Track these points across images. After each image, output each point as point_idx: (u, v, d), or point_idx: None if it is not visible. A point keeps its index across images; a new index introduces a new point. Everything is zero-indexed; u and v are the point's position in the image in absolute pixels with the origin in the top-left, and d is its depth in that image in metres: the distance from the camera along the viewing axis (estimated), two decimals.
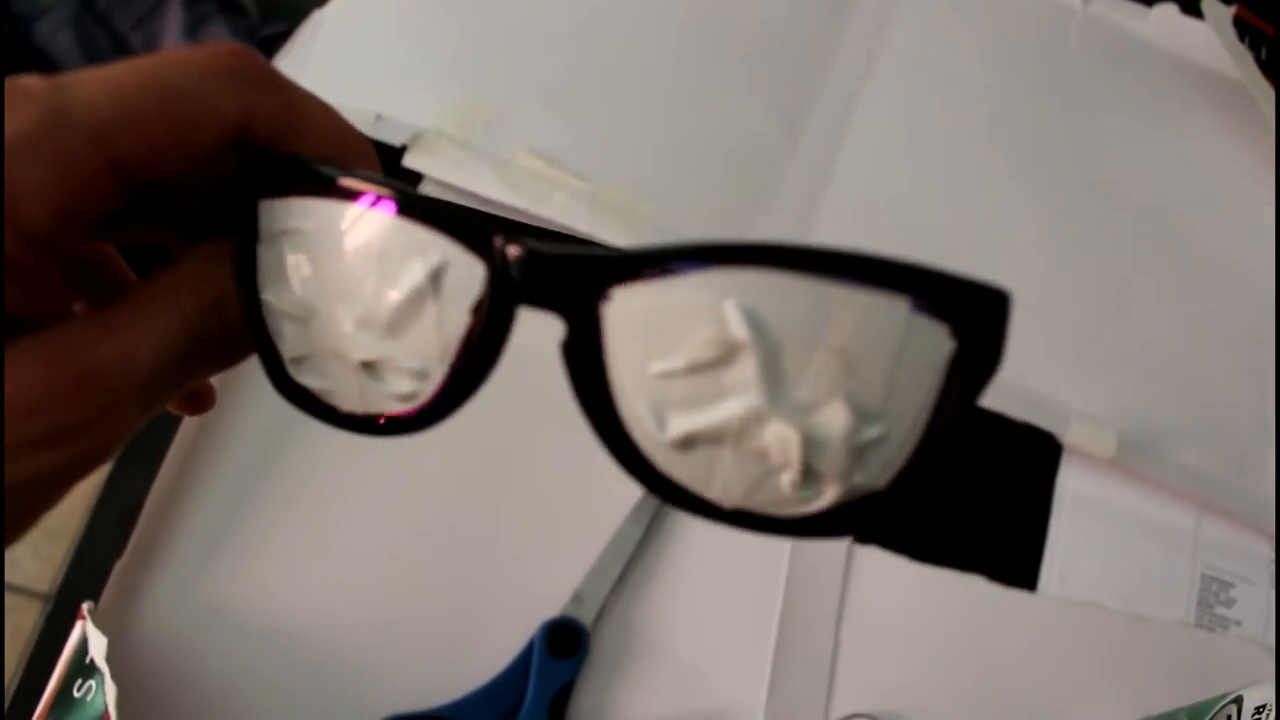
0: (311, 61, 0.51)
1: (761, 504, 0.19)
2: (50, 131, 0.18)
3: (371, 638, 0.41)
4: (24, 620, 1.01)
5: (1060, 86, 0.55)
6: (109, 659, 0.38)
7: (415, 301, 0.19)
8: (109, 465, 0.44)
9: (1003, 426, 0.46)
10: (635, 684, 0.41)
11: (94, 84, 0.18)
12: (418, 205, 0.19)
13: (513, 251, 0.19)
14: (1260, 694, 0.31)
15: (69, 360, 0.18)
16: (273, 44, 0.92)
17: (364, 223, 0.19)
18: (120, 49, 0.88)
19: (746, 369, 0.17)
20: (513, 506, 0.43)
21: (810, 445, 0.18)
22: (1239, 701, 0.32)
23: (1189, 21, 0.56)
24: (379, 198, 0.19)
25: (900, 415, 0.18)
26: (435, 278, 0.19)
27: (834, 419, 0.18)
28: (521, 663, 0.40)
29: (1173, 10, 0.57)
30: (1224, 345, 0.50)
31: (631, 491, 0.43)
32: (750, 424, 0.18)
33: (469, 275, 0.19)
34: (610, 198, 0.47)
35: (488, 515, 0.43)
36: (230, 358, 0.21)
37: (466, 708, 0.40)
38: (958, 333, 0.18)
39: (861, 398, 0.18)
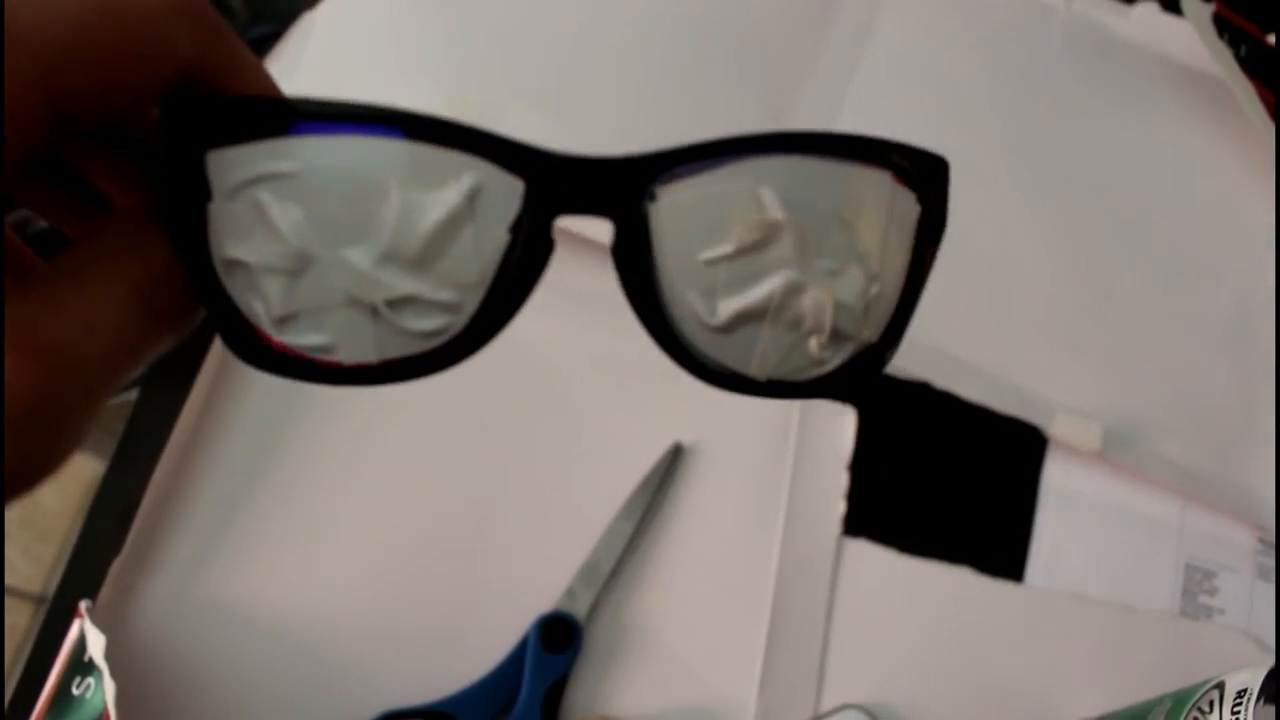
0: (303, 62, 0.51)
1: (788, 372, 0.21)
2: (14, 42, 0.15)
3: (367, 633, 0.41)
4: (17, 621, 1.01)
5: (1044, 84, 0.56)
6: (107, 656, 0.38)
7: (450, 227, 0.18)
8: (104, 464, 0.45)
9: (989, 420, 0.47)
10: (628, 677, 0.42)
11: (45, 5, 0.16)
12: (442, 129, 0.18)
13: (553, 162, 0.19)
14: (1242, 679, 0.32)
15: (31, 341, 0.16)
16: (262, 45, 0.93)
17: (376, 153, 0.18)
18: None
19: (785, 246, 0.19)
20: (506, 503, 0.44)
21: (838, 308, 0.20)
22: (1221, 687, 0.32)
23: (1170, 19, 0.57)
24: (393, 125, 0.18)
25: (890, 273, 0.21)
26: (472, 198, 0.19)
27: (853, 282, 0.20)
28: (516, 657, 0.41)
29: (1153, 9, 0.57)
30: (1206, 340, 0.51)
31: (624, 487, 0.44)
32: (789, 295, 0.20)
33: (506, 193, 0.19)
34: None
35: (482, 511, 0.44)
36: (181, 331, 0.19)
37: (462, 702, 0.40)
38: (921, 199, 0.21)
39: (868, 262, 0.20)
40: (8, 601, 1.01)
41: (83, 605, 0.40)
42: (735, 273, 0.20)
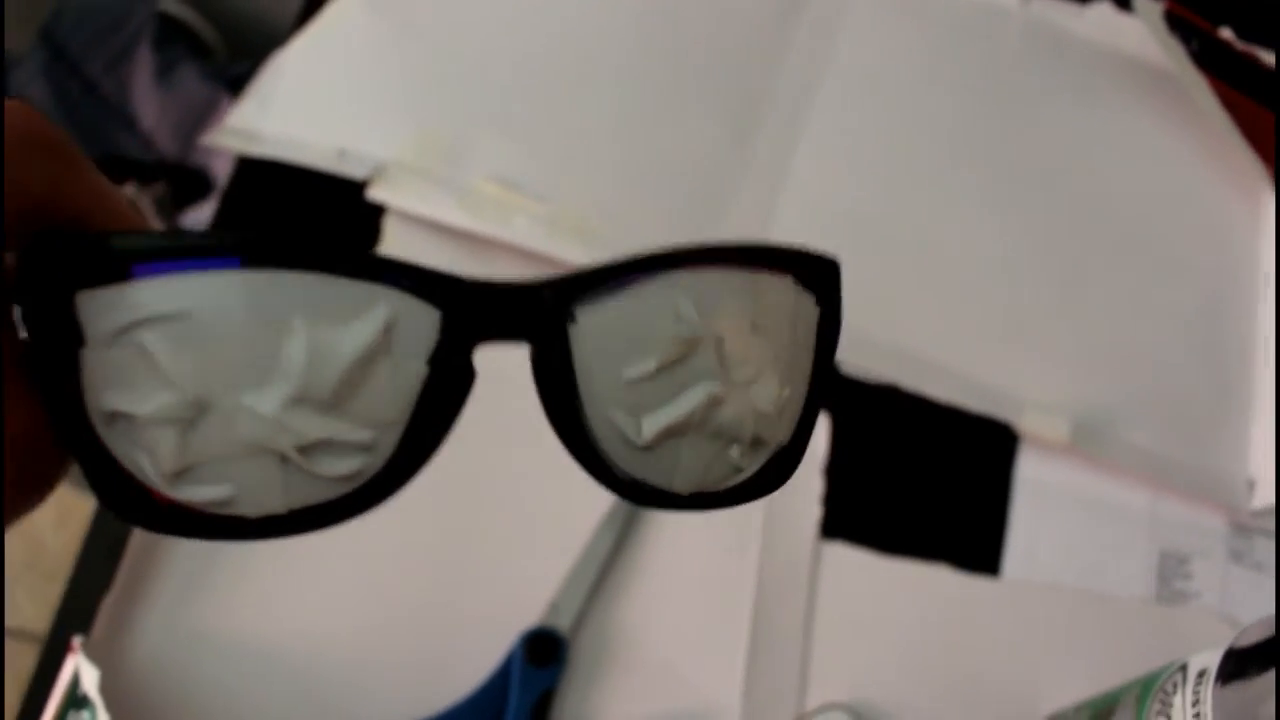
0: (275, 100, 0.52)
1: (709, 483, 0.21)
2: None
3: (355, 655, 0.42)
4: (24, 664, 1.01)
5: (1003, 85, 0.57)
6: (101, 691, 0.39)
7: (365, 363, 0.17)
8: (94, 503, 0.45)
9: (960, 419, 0.48)
10: (615, 687, 0.42)
11: None
12: (349, 260, 0.17)
13: (470, 290, 0.18)
14: (1203, 659, 0.32)
15: None
16: (241, 82, 0.94)
17: (276, 287, 0.17)
18: (92, 94, 0.89)
19: (706, 358, 0.20)
20: (487, 521, 0.45)
21: (757, 416, 0.21)
22: (1184, 668, 0.33)
23: (1124, 18, 0.58)
24: (294, 257, 0.17)
25: (798, 375, 0.21)
26: (387, 331, 0.17)
27: (769, 388, 0.21)
28: (502, 673, 0.42)
29: (1108, 8, 0.59)
30: (1169, 329, 0.52)
31: (603, 500, 0.45)
32: (711, 408, 0.20)
33: (423, 323, 0.18)
34: (569, 219, 0.48)
35: (463, 530, 0.45)
36: (46, 491, 0.17)
37: (449, 719, 0.41)
38: (819, 301, 0.22)
39: (778, 366, 0.21)
40: (15, 644, 1.02)
41: (76, 640, 0.41)
42: (658, 389, 0.20)
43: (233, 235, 0.16)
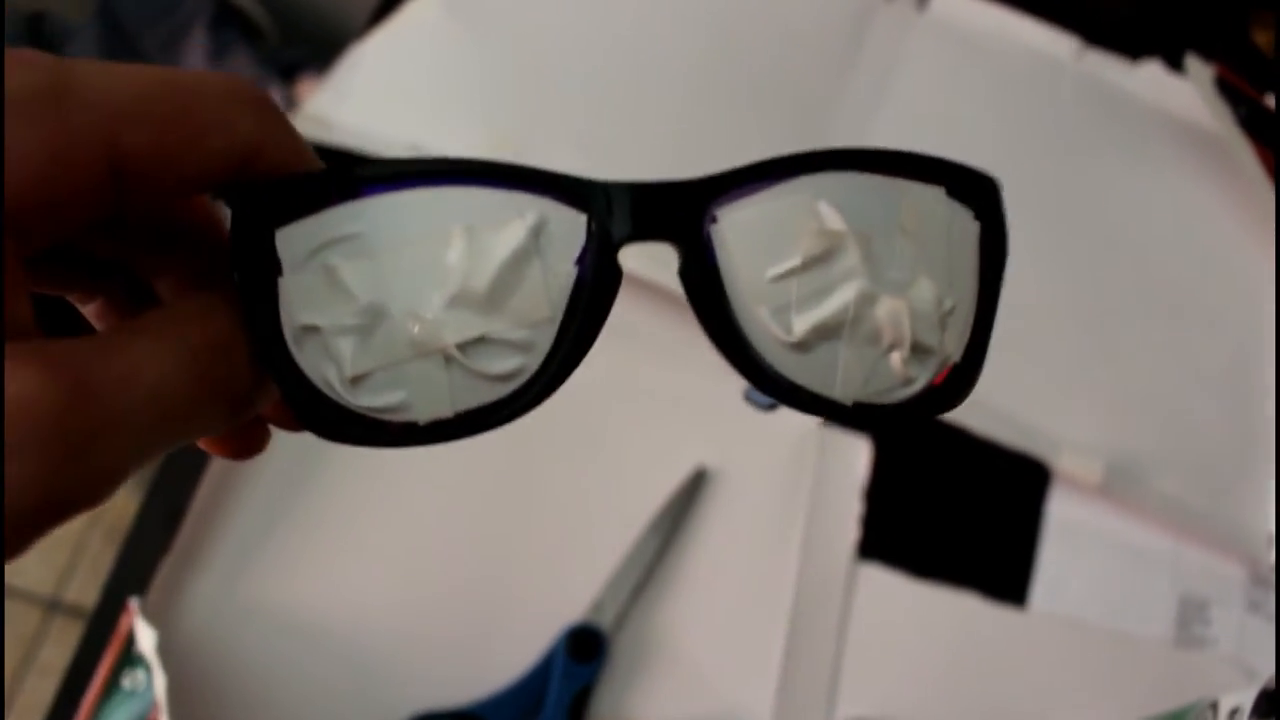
0: (352, 91, 0.53)
1: (874, 393, 0.21)
2: (56, 100, 0.16)
3: (402, 638, 0.43)
4: (26, 626, 1.02)
5: (1054, 134, 0.59)
6: (158, 651, 0.40)
7: (517, 263, 0.19)
8: (154, 468, 0.47)
9: (997, 454, 0.49)
10: (651, 688, 0.44)
11: (108, 71, 0.16)
12: (501, 170, 0.19)
13: (614, 194, 0.19)
14: (1234, 699, 0.34)
15: (66, 367, 0.15)
16: (293, 70, 0.96)
17: (437, 202, 0.19)
18: None
19: (851, 257, 0.20)
20: (538, 519, 0.46)
21: (915, 318, 0.20)
22: (1214, 706, 0.35)
23: (1174, 79, 0.60)
24: (452, 173, 0.19)
25: (961, 287, 0.21)
26: (536, 233, 0.19)
27: (925, 292, 0.21)
28: (544, 665, 0.43)
29: (1159, 68, 0.61)
30: (1203, 383, 0.53)
31: (649, 506, 0.46)
32: (863, 306, 0.20)
33: (570, 227, 0.19)
34: None
35: (515, 526, 0.46)
36: (235, 410, 0.18)
37: (491, 706, 0.42)
38: (979, 215, 0.22)
39: (935, 273, 0.21)
40: (19, 605, 1.03)
41: (133, 602, 0.42)
42: (805, 286, 0.20)
43: (398, 163, 0.19)
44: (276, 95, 0.93)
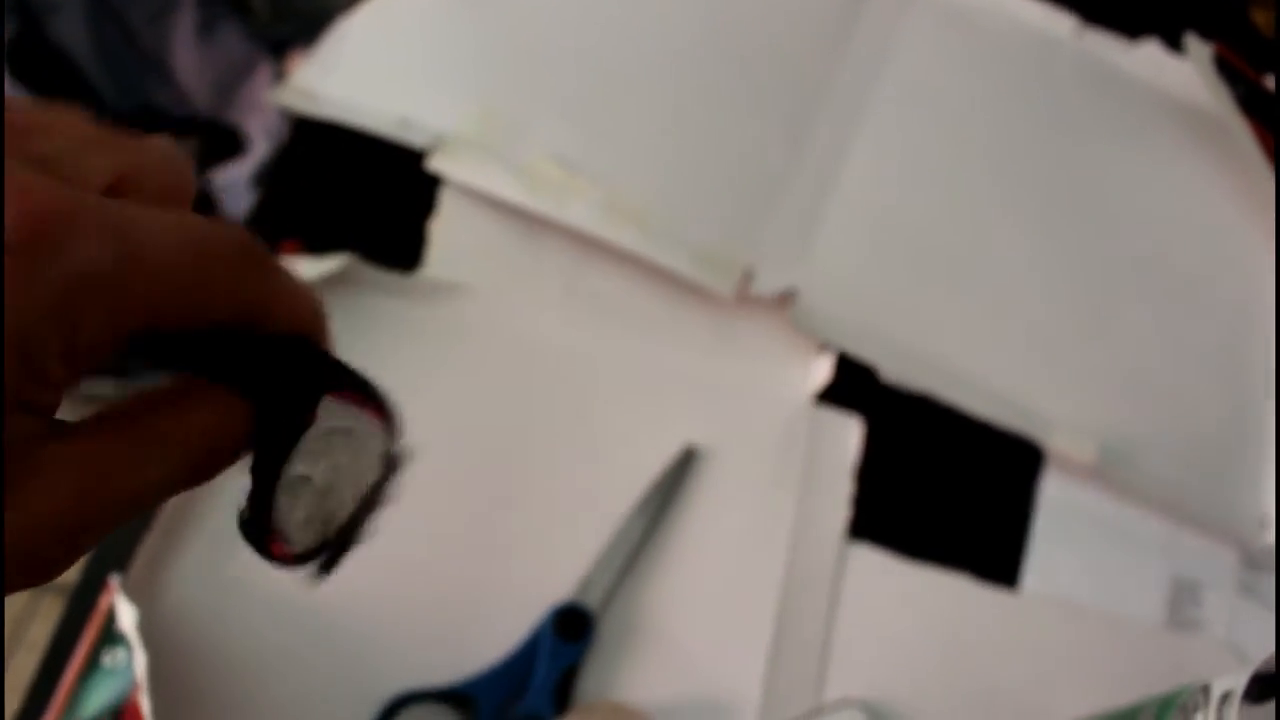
0: (340, 63, 0.53)
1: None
2: (114, 287, 0.17)
3: (388, 616, 0.43)
4: (13, 605, 1.01)
5: (1051, 112, 0.58)
6: (139, 629, 0.39)
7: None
8: None
9: (990, 433, 0.49)
10: (638, 668, 0.43)
11: (155, 227, 0.17)
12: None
13: None
14: (1226, 683, 0.34)
15: (100, 484, 0.18)
16: (282, 46, 0.94)
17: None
18: (132, 45, 0.89)
19: None
20: (525, 497, 0.45)
21: None
22: (1206, 690, 0.34)
23: (1172, 58, 0.59)
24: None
25: None
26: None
27: None
28: (531, 644, 0.42)
29: (1157, 47, 0.60)
30: (1197, 363, 0.53)
31: (638, 485, 0.45)
32: None
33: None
34: (625, 205, 0.49)
35: (502, 503, 0.45)
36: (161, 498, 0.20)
37: (477, 685, 0.42)
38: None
39: None
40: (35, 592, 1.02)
41: (113, 579, 0.41)
42: None
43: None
44: (267, 71, 0.93)
